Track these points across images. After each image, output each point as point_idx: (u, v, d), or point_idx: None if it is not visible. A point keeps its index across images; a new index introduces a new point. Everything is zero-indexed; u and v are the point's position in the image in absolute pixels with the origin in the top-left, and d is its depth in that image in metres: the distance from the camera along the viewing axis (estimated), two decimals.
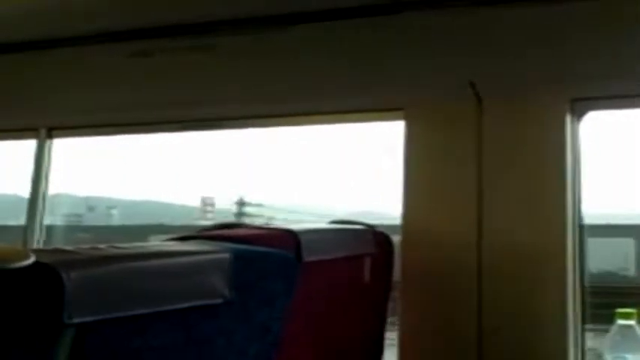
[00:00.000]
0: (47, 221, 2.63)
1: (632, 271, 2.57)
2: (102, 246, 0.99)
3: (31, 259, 0.85)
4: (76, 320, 0.87)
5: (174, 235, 1.26)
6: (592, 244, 1.97)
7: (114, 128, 2.64)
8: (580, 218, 1.91)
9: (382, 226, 1.90)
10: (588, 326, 1.87)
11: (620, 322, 1.61)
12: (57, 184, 2.64)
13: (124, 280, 0.95)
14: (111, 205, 2.83)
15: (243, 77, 2.24)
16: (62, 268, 0.86)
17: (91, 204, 2.73)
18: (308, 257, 1.39)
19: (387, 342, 1.91)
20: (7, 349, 0.86)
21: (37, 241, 2.67)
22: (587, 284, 1.89)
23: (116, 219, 2.80)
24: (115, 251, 0.98)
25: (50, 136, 2.70)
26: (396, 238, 1.95)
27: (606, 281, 2.37)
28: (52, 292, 0.85)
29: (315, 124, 2.38)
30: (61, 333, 0.87)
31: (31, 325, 0.87)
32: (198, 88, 2.31)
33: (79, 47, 2.44)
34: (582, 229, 1.91)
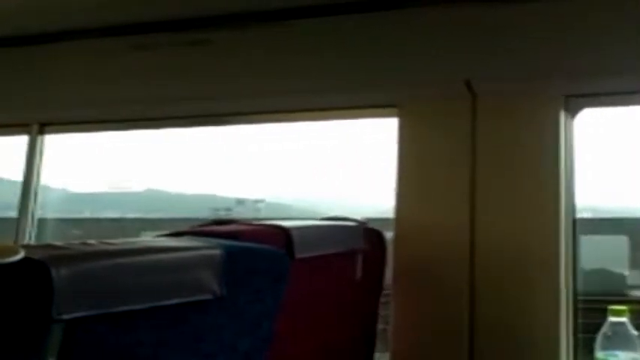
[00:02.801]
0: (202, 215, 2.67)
1: (625, 270, 2.58)
2: (92, 241, 0.99)
3: (21, 255, 0.85)
4: (65, 316, 0.87)
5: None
6: (585, 241, 1.97)
7: (107, 124, 2.63)
8: (574, 215, 1.92)
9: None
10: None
11: (612, 319, 1.62)
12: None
13: (114, 275, 0.94)
14: (258, 199, 2.89)
15: (238, 73, 2.24)
16: (52, 264, 0.85)
17: (240, 198, 2.81)
18: (299, 254, 1.39)
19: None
20: None
21: (29, 235, 2.67)
22: (580, 281, 1.90)
23: (263, 213, 2.84)
24: (105, 247, 0.97)
25: (42, 132, 2.69)
26: (388, 235, 1.95)
27: (599, 280, 2.38)
28: (41, 287, 0.85)
29: (309, 120, 2.38)
30: (50, 329, 0.87)
31: (21, 321, 0.87)
32: (192, 83, 2.30)
33: (72, 42, 2.43)
34: (575, 225, 1.91)
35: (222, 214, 2.79)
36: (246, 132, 2.53)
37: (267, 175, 2.69)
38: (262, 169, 2.69)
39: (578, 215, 1.93)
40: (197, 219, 2.50)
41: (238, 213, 2.43)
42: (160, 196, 3.11)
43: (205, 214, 2.88)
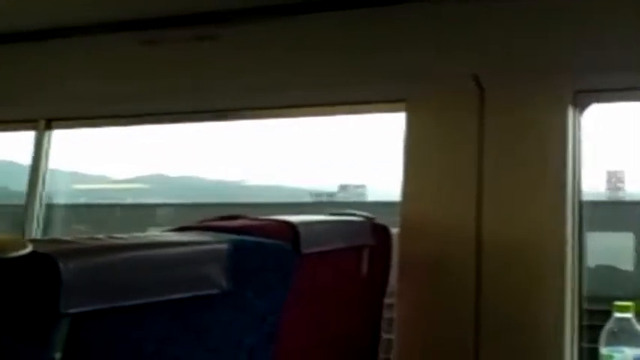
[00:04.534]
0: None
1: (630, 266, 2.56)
2: (100, 236, 0.99)
3: (29, 249, 0.85)
4: (72, 310, 0.87)
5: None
6: (591, 237, 1.97)
7: (115, 119, 2.64)
8: (581, 211, 1.91)
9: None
10: None
11: (617, 314, 1.61)
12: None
13: (122, 270, 0.95)
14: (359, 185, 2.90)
15: (246, 68, 2.24)
16: (59, 258, 0.85)
17: (343, 184, 2.83)
18: (306, 249, 1.39)
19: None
20: (2, 339, 0.86)
21: (34, 230, 2.69)
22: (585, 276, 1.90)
23: (368, 198, 2.85)
24: (113, 241, 0.98)
25: (49, 127, 2.70)
26: (394, 230, 1.94)
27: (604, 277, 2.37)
28: (48, 281, 0.85)
29: (317, 115, 2.38)
30: (58, 323, 0.87)
31: (28, 315, 0.87)
32: (200, 79, 2.30)
33: (79, 37, 2.43)
34: (582, 221, 1.91)
35: (325, 200, 2.78)
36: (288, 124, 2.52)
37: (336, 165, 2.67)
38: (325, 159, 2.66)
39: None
40: (300, 204, 2.53)
41: (343, 198, 2.41)
42: (254, 186, 3.10)
43: (307, 199, 2.87)
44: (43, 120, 2.69)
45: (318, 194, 2.87)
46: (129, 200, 3.42)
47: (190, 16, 2.24)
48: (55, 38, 2.46)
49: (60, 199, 2.90)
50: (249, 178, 2.96)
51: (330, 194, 2.85)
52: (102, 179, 3.34)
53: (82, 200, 3.39)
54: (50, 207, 2.77)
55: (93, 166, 3.19)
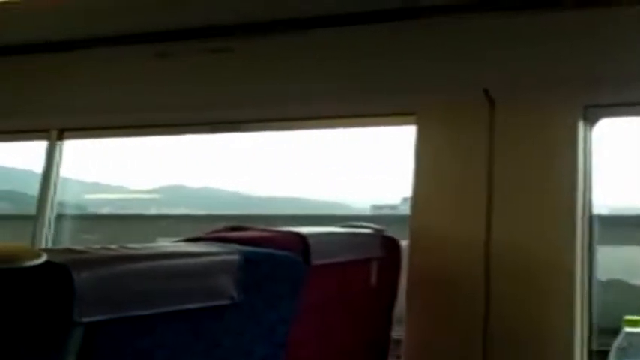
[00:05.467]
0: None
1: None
2: (113, 246, 1.00)
3: (43, 258, 0.86)
4: (85, 319, 0.88)
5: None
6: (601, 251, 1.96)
7: (126, 130, 2.65)
8: (591, 225, 1.91)
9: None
10: None
11: (628, 329, 1.60)
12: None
13: (134, 280, 0.95)
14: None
15: (258, 81, 2.25)
16: (73, 268, 0.87)
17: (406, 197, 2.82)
18: (316, 260, 1.39)
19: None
20: (17, 347, 0.87)
21: (46, 237, 2.70)
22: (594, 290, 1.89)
23: None
24: (126, 251, 0.99)
25: (61, 138, 2.71)
26: (404, 242, 1.95)
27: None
28: (62, 290, 0.86)
29: (328, 127, 2.38)
30: (71, 331, 0.88)
31: (42, 323, 0.88)
32: (213, 91, 2.32)
33: (93, 49, 2.45)
34: (592, 235, 1.90)
35: (387, 212, 2.77)
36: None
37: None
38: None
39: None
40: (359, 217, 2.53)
41: (404, 210, 2.42)
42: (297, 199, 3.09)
43: (368, 211, 2.85)
44: (55, 130, 2.70)
45: (379, 207, 2.86)
46: (145, 211, 3.43)
47: (204, 28, 2.26)
48: (69, 50, 2.48)
49: (70, 210, 2.92)
50: (300, 193, 2.95)
51: (393, 207, 2.83)
52: (120, 190, 3.36)
53: (103, 210, 3.41)
54: (60, 217, 2.79)
55: (112, 177, 3.21)
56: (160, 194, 3.34)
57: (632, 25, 1.82)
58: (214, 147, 2.75)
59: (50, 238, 2.72)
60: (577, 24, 1.87)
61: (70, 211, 2.88)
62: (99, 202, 3.37)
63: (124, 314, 0.93)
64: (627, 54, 1.84)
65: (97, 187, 3.29)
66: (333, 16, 2.09)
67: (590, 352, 1.86)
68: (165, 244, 1.20)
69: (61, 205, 2.79)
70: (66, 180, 2.80)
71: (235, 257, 1.13)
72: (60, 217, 2.78)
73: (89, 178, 3.17)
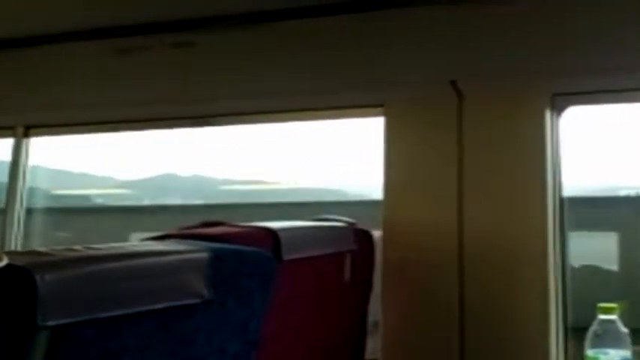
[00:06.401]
0: None
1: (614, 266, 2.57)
2: (77, 247, 0.98)
3: (4, 262, 0.84)
4: (50, 323, 0.86)
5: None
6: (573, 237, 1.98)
7: (91, 127, 2.63)
8: (562, 211, 1.93)
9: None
10: None
11: (602, 316, 1.62)
12: None
13: (100, 281, 0.94)
14: None
15: (222, 75, 2.23)
16: (36, 270, 0.85)
17: None
18: (287, 255, 1.39)
19: None
20: None
21: (15, 236, 2.68)
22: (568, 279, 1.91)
23: None
24: (90, 252, 0.97)
25: (27, 135, 2.69)
26: (377, 234, 1.95)
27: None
28: (25, 294, 0.84)
29: (295, 120, 2.37)
30: (36, 336, 0.87)
31: (6, 328, 0.86)
32: (176, 86, 2.29)
33: (56, 45, 2.41)
34: (564, 221, 1.92)
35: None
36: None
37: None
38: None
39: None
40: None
41: None
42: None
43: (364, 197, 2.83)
44: (21, 127, 2.68)
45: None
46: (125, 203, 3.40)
47: (166, 23, 2.23)
48: (32, 46, 2.44)
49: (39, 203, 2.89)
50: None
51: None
52: (108, 180, 3.31)
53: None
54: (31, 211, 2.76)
55: (99, 168, 3.17)
56: (146, 184, 3.30)
57: (598, 14, 1.83)
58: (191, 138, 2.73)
59: (20, 235, 2.69)
60: (543, 14, 1.88)
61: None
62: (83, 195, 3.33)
63: (90, 317, 0.91)
64: (594, 43, 1.85)
65: (85, 178, 3.25)
66: (301, 8, 2.07)
67: (565, 333, 1.88)
68: (133, 243, 1.18)
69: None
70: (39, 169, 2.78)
71: (204, 255, 1.11)
72: (30, 211, 2.75)
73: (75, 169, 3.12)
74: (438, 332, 1.91)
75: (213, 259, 1.12)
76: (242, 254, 1.23)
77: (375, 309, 1.93)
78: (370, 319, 1.91)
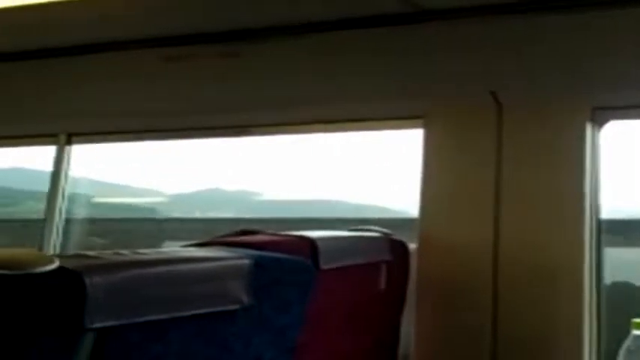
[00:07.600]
0: None
1: None
2: (124, 252, 1.00)
3: (55, 264, 0.86)
4: (97, 325, 0.88)
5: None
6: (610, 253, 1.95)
7: (134, 135, 2.66)
8: (599, 229, 1.90)
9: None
10: None
11: (636, 332, 1.59)
12: None
13: (145, 285, 0.96)
14: None
15: (266, 85, 2.25)
16: (85, 273, 0.87)
17: None
18: (325, 264, 1.39)
19: None
20: (28, 353, 0.88)
21: (54, 242, 2.70)
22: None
23: None
24: (137, 257, 0.99)
25: (69, 142, 2.72)
26: (412, 246, 1.94)
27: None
28: (74, 296, 0.87)
29: (335, 131, 2.37)
30: (82, 337, 0.89)
31: (53, 329, 0.89)
32: (221, 95, 2.32)
33: (102, 54, 2.46)
34: (600, 239, 1.89)
35: None
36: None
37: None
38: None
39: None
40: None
41: None
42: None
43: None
44: (63, 135, 2.71)
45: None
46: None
47: (214, 34, 2.27)
48: (79, 54, 2.49)
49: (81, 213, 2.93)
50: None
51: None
52: (155, 193, 3.35)
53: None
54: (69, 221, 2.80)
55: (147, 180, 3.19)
56: (195, 198, 3.32)
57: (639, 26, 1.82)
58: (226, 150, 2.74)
59: (59, 243, 2.73)
60: (585, 26, 1.86)
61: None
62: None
63: (135, 320, 0.93)
64: (636, 55, 1.83)
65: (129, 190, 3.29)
66: (343, 20, 2.09)
67: (599, 354, 1.85)
68: (176, 249, 1.20)
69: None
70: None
71: (245, 262, 1.13)
72: (69, 221, 2.78)
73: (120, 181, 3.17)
74: (472, 347, 1.89)
75: (255, 266, 1.13)
76: (282, 262, 1.25)
77: (409, 318, 1.92)
78: (401, 351, 1.90)
